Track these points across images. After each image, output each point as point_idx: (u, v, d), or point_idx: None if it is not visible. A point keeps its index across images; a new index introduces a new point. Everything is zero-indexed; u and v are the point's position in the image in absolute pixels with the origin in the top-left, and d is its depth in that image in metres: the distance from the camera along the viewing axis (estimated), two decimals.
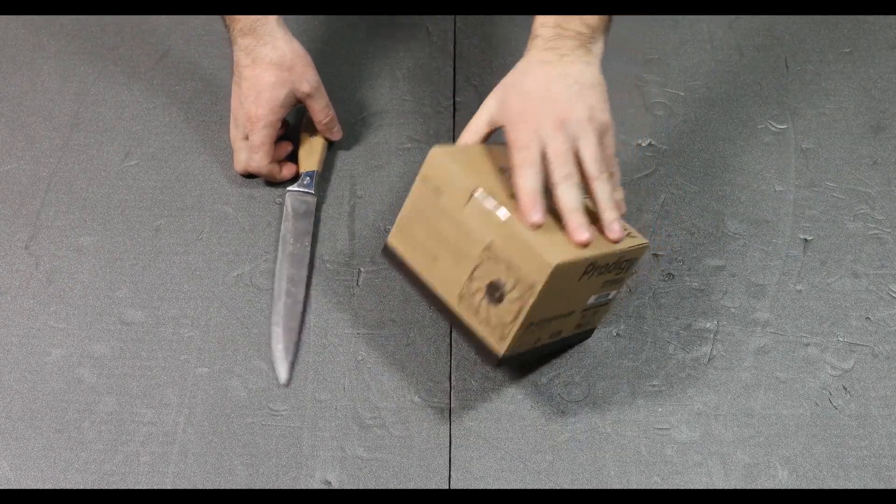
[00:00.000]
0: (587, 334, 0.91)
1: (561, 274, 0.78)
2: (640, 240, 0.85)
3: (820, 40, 1.15)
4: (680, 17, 1.16)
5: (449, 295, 0.83)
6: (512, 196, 0.81)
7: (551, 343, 0.87)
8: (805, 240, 0.98)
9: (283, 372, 0.89)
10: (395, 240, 0.86)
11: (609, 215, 0.82)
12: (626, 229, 0.84)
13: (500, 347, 0.81)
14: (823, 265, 0.96)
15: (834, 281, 0.95)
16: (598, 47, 0.87)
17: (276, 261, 0.96)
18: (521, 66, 0.86)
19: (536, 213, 0.78)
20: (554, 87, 0.83)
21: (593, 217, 0.82)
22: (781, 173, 1.03)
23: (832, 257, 0.97)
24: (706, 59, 1.13)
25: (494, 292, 0.81)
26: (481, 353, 0.83)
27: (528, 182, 0.80)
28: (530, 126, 0.82)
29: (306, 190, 1.00)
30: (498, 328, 0.81)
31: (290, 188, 1.01)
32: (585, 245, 0.79)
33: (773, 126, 1.07)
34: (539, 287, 0.77)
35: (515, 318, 0.80)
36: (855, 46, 1.14)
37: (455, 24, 1.17)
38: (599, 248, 0.81)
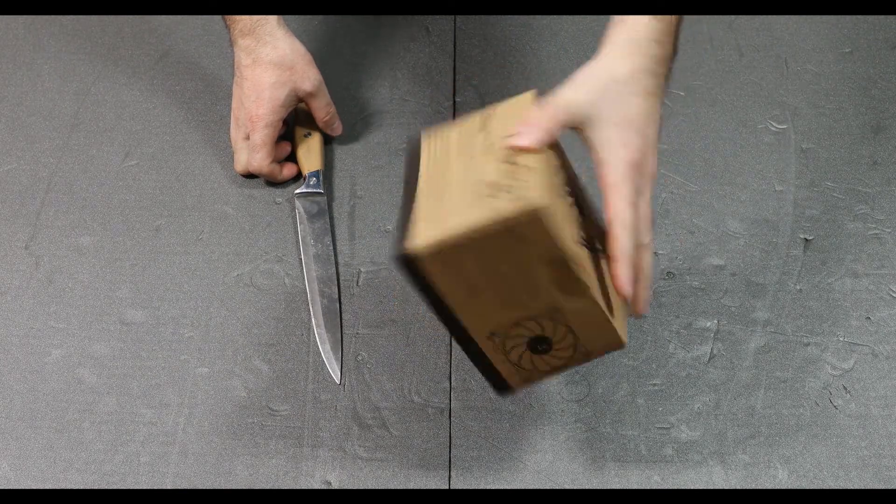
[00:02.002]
0: None
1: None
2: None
3: (820, 40, 1.14)
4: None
5: (477, 328, 0.73)
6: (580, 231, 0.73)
7: None
8: (805, 239, 0.98)
9: (335, 372, 0.90)
10: (430, 259, 0.68)
11: (646, 292, 0.75)
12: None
13: (516, 384, 0.77)
14: (824, 265, 0.96)
15: (834, 281, 0.95)
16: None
17: (301, 265, 0.96)
18: (627, 77, 0.73)
19: (630, 285, 0.71)
20: (652, 132, 0.74)
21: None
22: (781, 173, 1.03)
23: (832, 257, 0.97)
24: (706, 58, 1.13)
25: (538, 345, 0.74)
26: (489, 376, 0.77)
27: (627, 245, 0.71)
28: (633, 175, 0.72)
29: (315, 190, 1.00)
30: (524, 371, 0.76)
31: (297, 191, 1.00)
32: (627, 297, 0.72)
33: (773, 126, 1.07)
34: (594, 356, 0.75)
35: (551, 371, 0.76)
36: (855, 46, 1.14)
37: (455, 24, 1.17)
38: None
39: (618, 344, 0.73)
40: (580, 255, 0.70)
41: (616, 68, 0.73)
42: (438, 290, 0.70)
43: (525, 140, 0.70)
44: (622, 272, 0.71)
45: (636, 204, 0.72)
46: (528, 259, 0.68)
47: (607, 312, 0.72)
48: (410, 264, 0.68)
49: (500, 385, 0.77)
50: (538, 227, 0.66)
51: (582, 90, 0.72)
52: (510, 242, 0.67)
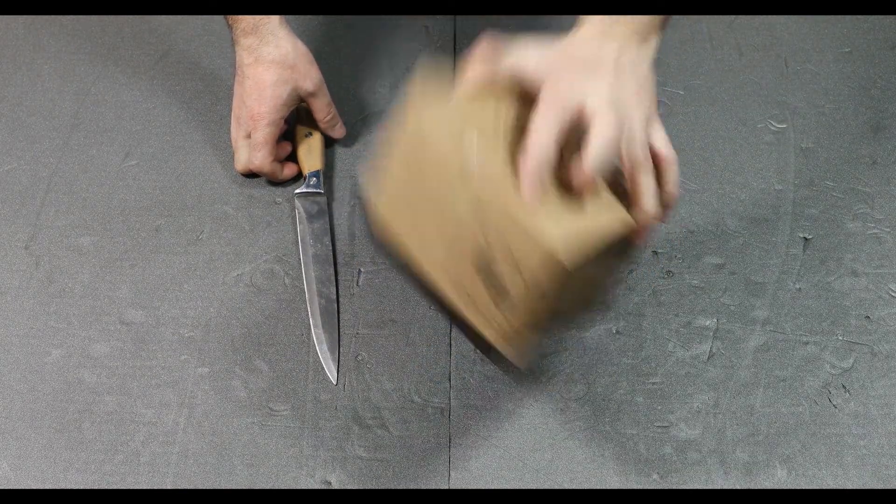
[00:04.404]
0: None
1: (577, 268, 0.69)
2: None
3: (819, 40, 1.15)
4: (680, 17, 1.16)
5: (453, 286, 0.77)
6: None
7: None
8: (804, 238, 0.98)
9: (332, 372, 0.90)
10: (385, 210, 0.79)
11: (646, 217, 0.73)
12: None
13: (512, 351, 0.77)
14: (823, 264, 0.96)
15: (833, 280, 0.95)
16: (653, 42, 0.77)
17: (301, 265, 0.96)
18: (568, 38, 0.75)
19: (534, 190, 0.68)
20: (606, 55, 0.73)
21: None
22: (781, 172, 1.03)
23: (832, 256, 0.97)
24: (706, 58, 1.13)
25: (495, 284, 0.73)
26: (500, 356, 0.79)
27: (542, 132, 0.68)
28: (570, 79, 0.71)
29: (315, 190, 1.01)
30: (503, 334, 0.76)
31: (297, 191, 1.01)
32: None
33: (773, 125, 1.07)
34: (551, 284, 0.69)
35: (525, 314, 0.73)
36: (854, 46, 1.14)
37: (455, 24, 1.17)
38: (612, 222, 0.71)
39: (553, 258, 0.67)
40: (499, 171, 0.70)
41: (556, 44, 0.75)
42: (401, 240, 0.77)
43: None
44: (523, 184, 0.69)
45: (562, 100, 0.70)
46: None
47: (531, 220, 0.68)
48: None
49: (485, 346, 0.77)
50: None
51: (517, 52, 0.75)
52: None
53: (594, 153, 0.69)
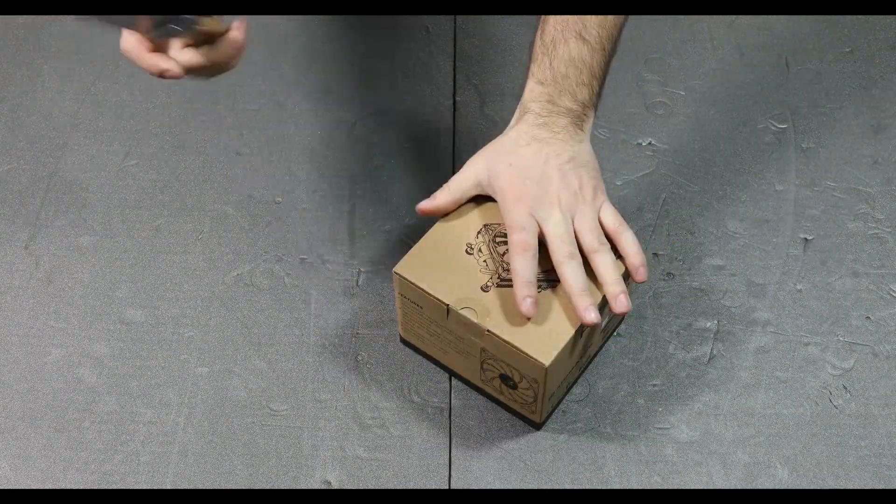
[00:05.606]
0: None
1: (557, 361, 0.79)
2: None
3: (820, 40, 1.14)
4: (680, 17, 1.16)
5: (472, 378, 0.87)
6: (487, 271, 0.83)
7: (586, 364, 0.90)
8: (805, 239, 0.98)
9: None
10: (405, 334, 0.90)
11: (613, 289, 0.81)
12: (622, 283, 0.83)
13: (536, 418, 0.85)
14: (824, 265, 0.96)
15: (834, 280, 0.95)
16: (588, 124, 0.86)
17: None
18: (514, 137, 0.85)
19: (529, 306, 0.79)
20: (548, 166, 0.83)
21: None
22: (782, 172, 1.03)
23: (833, 257, 0.97)
24: (707, 58, 1.13)
25: (507, 381, 0.83)
26: (520, 418, 0.87)
27: (523, 271, 0.80)
28: (526, 206, 0.82)
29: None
30: (525, 405, 0.84)
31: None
32: (594, 324, 0.79)
33: (774, 125, 1.07)
34: (542, 380, 0.79)
35: (535, 398, 0.82)
36: (855, 46, 1.14)
37: (455, 23, 1.17)
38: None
39: (542, 368, 0.78)
40: (477, 301, 0.81)
41: (505, 134, 0.86)
42: (426, 353, 0.90)
43: (425, 205, 0.86)
44: (520, 308, 0.80)
45: (527, 230, 0.81)
46: (436, 318, 0.83)
47: (512, 337, 0.79)
48: (403, 340, 0.91)
49: (529, 421, 0.86)
50: (404, 285, 0.83)
51: (481, 163, 0.85)
52: (415, 308, 0.84)
53: (573, 281, 0.80)
